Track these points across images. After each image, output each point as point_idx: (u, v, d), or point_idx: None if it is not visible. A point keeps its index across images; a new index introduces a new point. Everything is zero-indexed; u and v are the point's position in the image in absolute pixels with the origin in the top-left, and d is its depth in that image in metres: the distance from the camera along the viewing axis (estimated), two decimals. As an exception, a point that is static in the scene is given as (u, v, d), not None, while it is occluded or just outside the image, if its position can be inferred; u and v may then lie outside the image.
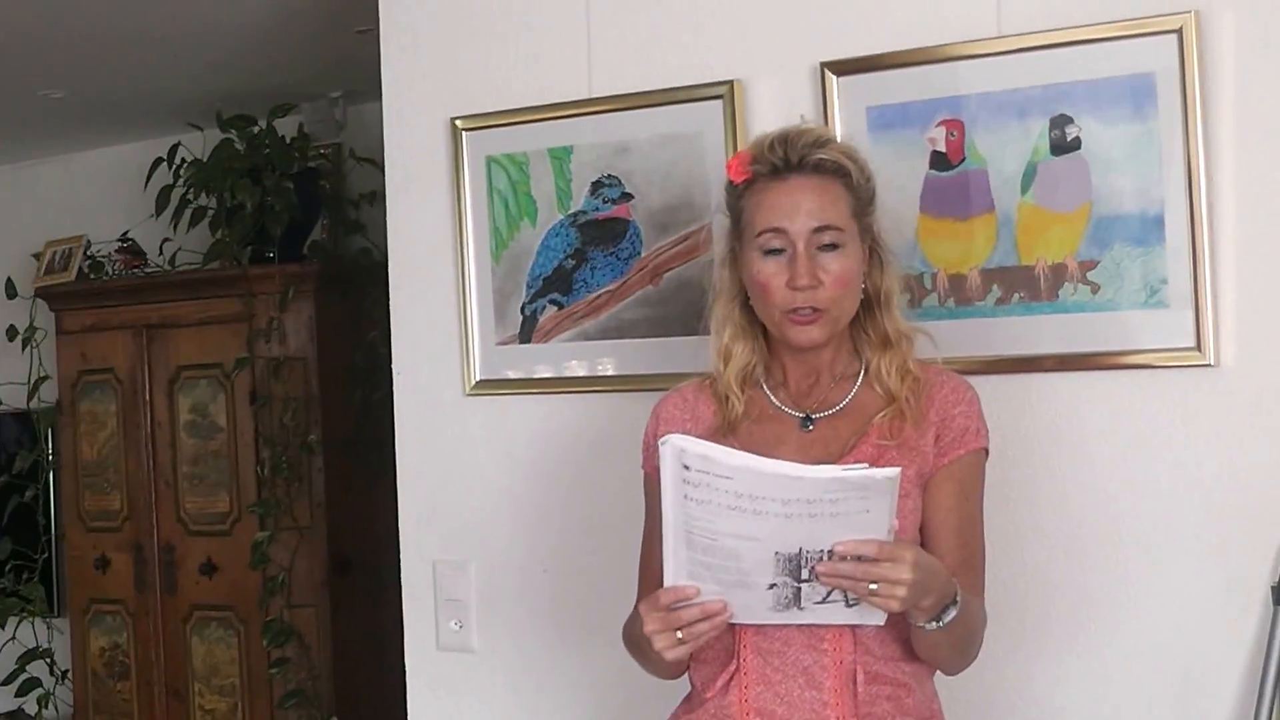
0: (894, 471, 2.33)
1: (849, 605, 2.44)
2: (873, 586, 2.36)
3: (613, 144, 3.56)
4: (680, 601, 2.47)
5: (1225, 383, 2.95)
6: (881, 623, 2.51)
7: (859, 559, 2.35)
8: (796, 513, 2.33)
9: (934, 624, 2.48)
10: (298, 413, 5.81)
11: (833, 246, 2.63)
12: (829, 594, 2.42)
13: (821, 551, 2.37)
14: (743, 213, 2.71)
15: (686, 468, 2.36)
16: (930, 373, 2.74)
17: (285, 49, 5.29)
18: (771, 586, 2.43)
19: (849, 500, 2.31)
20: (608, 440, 3.54)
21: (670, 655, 2.52)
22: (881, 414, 2.69)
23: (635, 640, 2.66)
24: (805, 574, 2.40)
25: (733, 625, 2.62)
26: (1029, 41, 3.07)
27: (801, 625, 2.59)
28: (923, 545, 2.61)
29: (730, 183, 2.74)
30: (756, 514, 2.34)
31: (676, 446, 2.37)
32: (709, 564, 2.42)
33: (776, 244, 2.64)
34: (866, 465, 2.39)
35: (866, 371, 2.75)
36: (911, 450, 2.65)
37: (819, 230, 2.63)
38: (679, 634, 2.49)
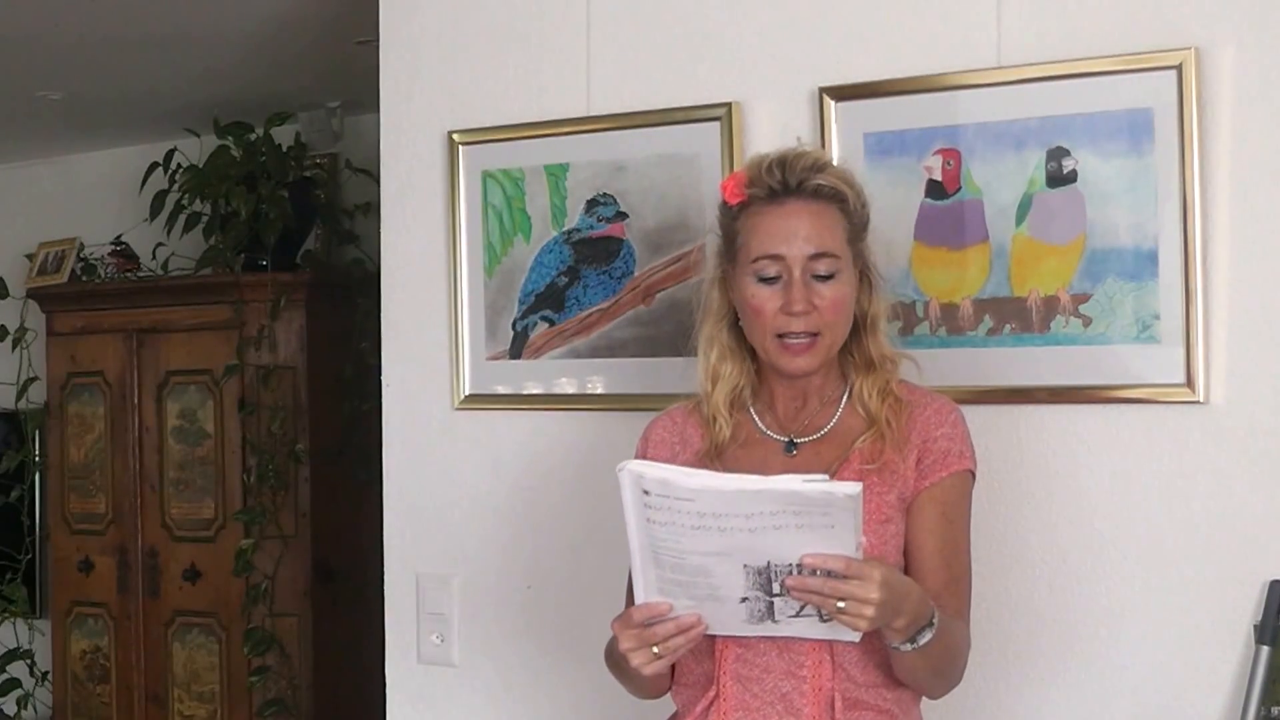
0: (854, 488, 2.31)
1: (823, 620, 2.42)
2: (840, 604, 2.35)
3: (609, 163, 3.56)
4: (654, 618, 2.46)
5: (1214, 420, 2.95)
6: (857, 639, 2.50)
7: (828, 574, 2.34)
8: (761, 526, 2.32)
9: (908, 645, 2.47)
10: (286, 421, 5.81)
11: (828, 277, 2.63)
12: (802, 608, 2.41)
13: (790, 565, 2.36)
14: (737, 235, 2.69)
15: (646, 493, 2.36)
16: (915, 395, 2.73)
17: (284, 58, 5.30)
18: (744, 600, 2.42)
19: (811, 514, 2.31)
20: (595, 459, 3.53)
21: (648, 671, 2.51)
22: (862, 437, 2.68)
23: (616, 660, 2.65)
24: (776, 588, 2.39)
25: (713, 651, 2.64)
26: (1028, 73, 3.08)
27: (781, 652, 2.60)
28: (907, 569, 2.61)
29: (724, 203, 2.73)
30: (721, 530, 2.34)
31: (634, 473, 2.37)
32: (679, 581, 2.42)
33: (772, 271, 2.63)
34: (826, 477, 2.37)
35: (850, 394, 2.74)
36: (893, 474, 2.64)
37: (815, 257, 2.62)
38: (655, 649, 2.48)
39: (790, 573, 2.36)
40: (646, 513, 2.37)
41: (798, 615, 2.43)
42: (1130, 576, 3.03)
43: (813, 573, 2.35)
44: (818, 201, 2.65)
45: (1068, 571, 3.09)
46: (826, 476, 2.37)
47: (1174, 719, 3.00)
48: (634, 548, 2.43)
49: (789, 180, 2.64)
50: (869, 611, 2.35)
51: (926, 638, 2.47)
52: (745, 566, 2.37)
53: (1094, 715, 3.08)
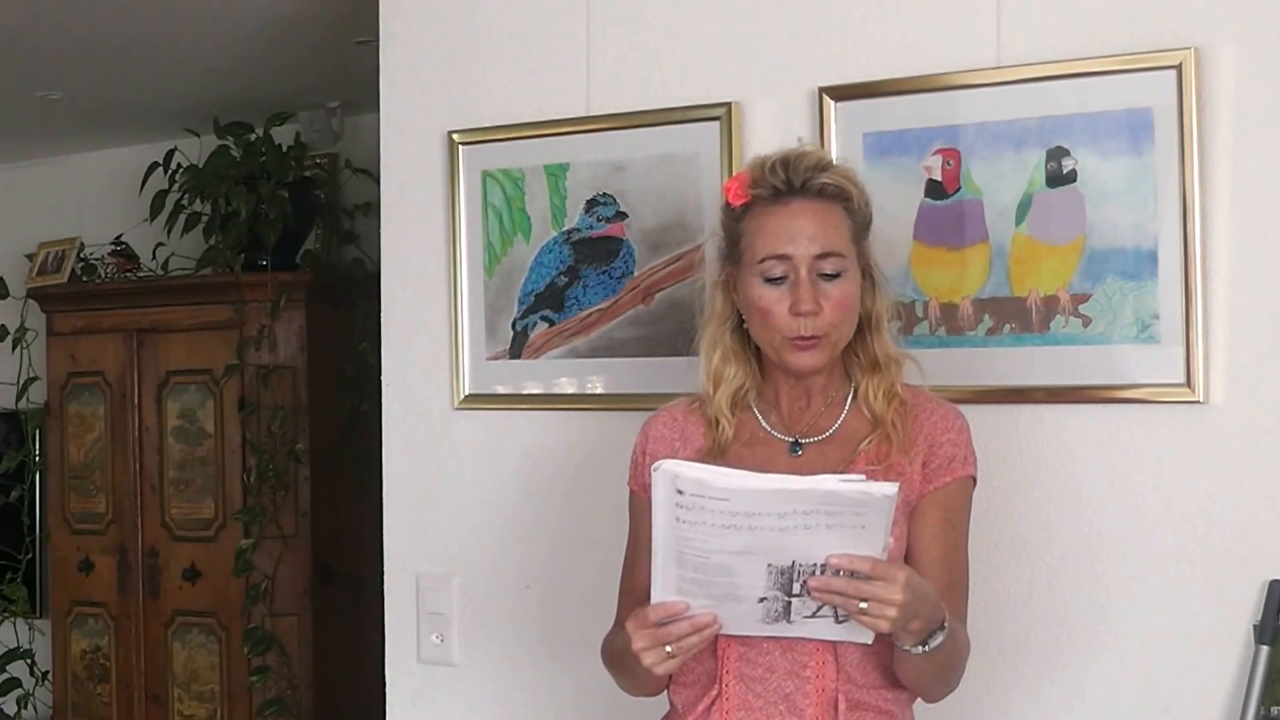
0: (892, 488, 2.32)
1: (838, 621, 2.43)
2: (863, 605, 2.35)
3: (609, 162, 3.56)
4: (669, 617, 2.46)
5: (1214, 420, 2.95)
6: (869, 641, 2.50)
7: (851, 575, 2.35)
8: (792, 525, 2.32)
9: (920, 648, 2.47)
10: (286, 421, 5.80)
11: (834, 276, 2.63)
12: (819, 609, 2.41)
13: (814, 565, 2.36)
14: (741, 237, 2.69)
15: (680, 492, 2.34)
16: (920, 399, 2.73)
17: (284, 58, 5.29)
18: (762, 600, 2.42)
19: (844, 514, 2.31)
20: (595, 458, 3.53)
21: (660, 670, 2.51)
22: (868, 439, 2.68)
23: (618, 656, 2.65)
24: (797, 588, 2.39)
25: (715, 649, 2.63)
26: (1028, 73, 3.08)
27: (785, 652, 2.60)
28: (908, 571, 2.61)
29: (727, 205, 2.72)
30: (751, 530, 2.33)
31: (670, 472, 2.35)
32: (699, 580, 2.42)
33: (779, 271, 2.62)
34: (864, 477, 2.37)
35: (855, 395, 2.74)
36: (898, 476, 2.63)
37: (822, 257, 2.62)
38: (668, 649, 2.47)
39: (814, 573, 2.36)
40: (678, 512, 2.36)
41: (814, 616, 2.43)
42: (1129, 576, 3.03)
43: (836, 573, 2.35)
44: (822, 201, 2.64)
45: (1066, 571, 3.09)
46: (864, 477, 2.36)
47: (1174, 719, 3.00)
48: (658, 546, 2.41)
49: (793, 180, 2.63)
50: (891, 613, 2.36)
51: (938, 640, 2.47)
52: (769, 566, 2.37)
53: (1093, 715, 3.08)
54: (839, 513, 2.31)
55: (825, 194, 2.65)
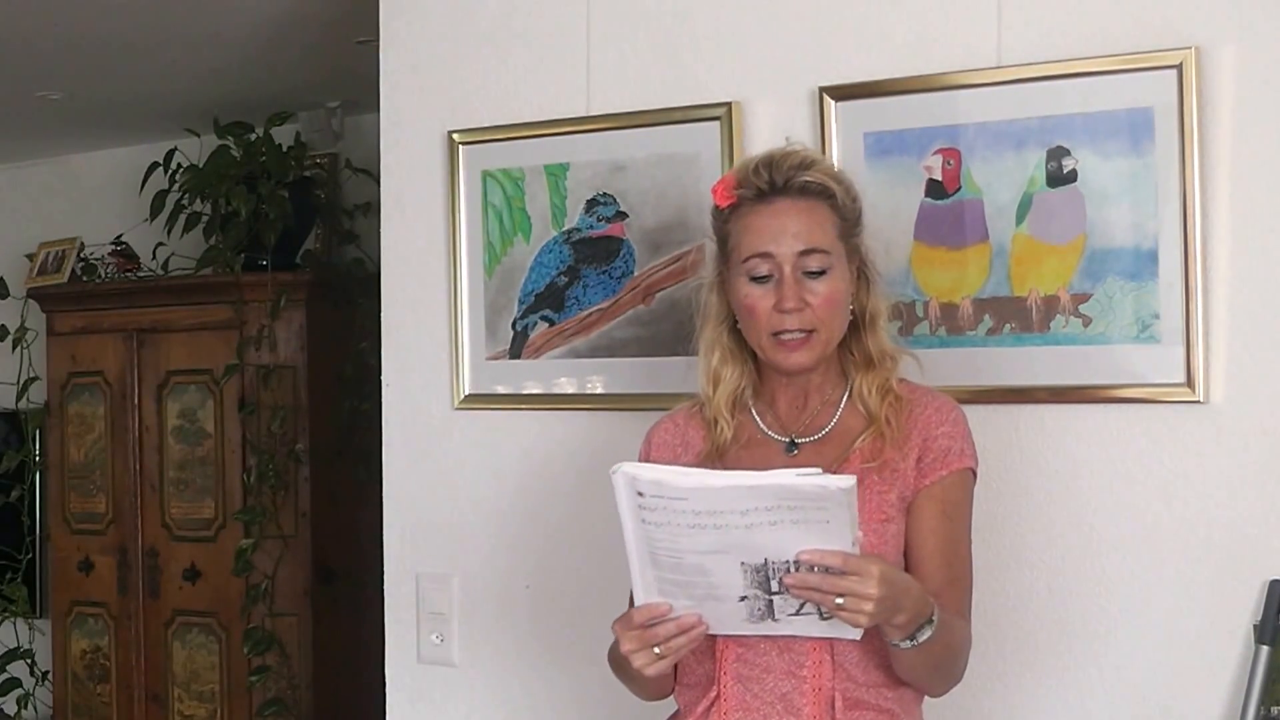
0: (848, 481, 2.29)
1: (823, 618, 2.42)
2: (839, 600, 2.35)
3: (609, 162, 3.56)
4: (654, 618, 2.46)
5: (1214, 420, 2.95)
6: (858, 637, 2.49)
7: (826, 571, 2.34)
8: (757, 522, 2.31)
9: (908, 643, 2.46)
10: (286, 421, 5.81)
11: (820, 273, 2.63)
12: (803, 606, 2.40)
13: (788, 562, 2.35)
14: (729, 237, 2.70)
15: (640, 494, 2.35)
16: (916, 393, 2.73)
17: (285, 58, 5.29)
18: (743, 599, 2.42)
19: (807, 509, 2.30)
20: (595, 458, 3.52)
21: (650, 672, 2.51)
22: (862, 436, 2.68)
23: (618, 661, 2.65)
24: (775, 585, 2.38)
25: (714, 651, 2.63)
26: (1028, 73, 3.08)
27: (782, 652, 2.59)
28: (907, 567, 2.60)
29: (716, 207, 2.73)
30: (718, 528, 2.33)
31: (628, 475, 2.36)
32: (677, 581, 2.42)
33: (764, 269, 2.63)
34: (819, 470, 2.36)
35: (851, 393, 2.74)
36: (893, 472, 2.63)
37: (805, 254, 2.62)
38: (657, 650, 2.48)
39: (788, 570, 2.36)
40: (641, 514, 2.37)
41: (798, 613, 2.42)
42: (1129, 576, 3.03)
43: (810, 569, 2.35)
44: (806, 198, 2.65)
45: (1066, 571, 3.09)
46: (820, 470, 2.36)
47: (1174, 719, 3.00)
48: (630, 549, 2.42)
49: (776, 179, 2.64)
50: (868, 607, 2.35)
51: (926, 635, 2.46)
52: (743, 564, 2.37)
53: (1093, 715, 3.08)
54: (801, 508, 2.30)
55: (808, 192, 2.65)
